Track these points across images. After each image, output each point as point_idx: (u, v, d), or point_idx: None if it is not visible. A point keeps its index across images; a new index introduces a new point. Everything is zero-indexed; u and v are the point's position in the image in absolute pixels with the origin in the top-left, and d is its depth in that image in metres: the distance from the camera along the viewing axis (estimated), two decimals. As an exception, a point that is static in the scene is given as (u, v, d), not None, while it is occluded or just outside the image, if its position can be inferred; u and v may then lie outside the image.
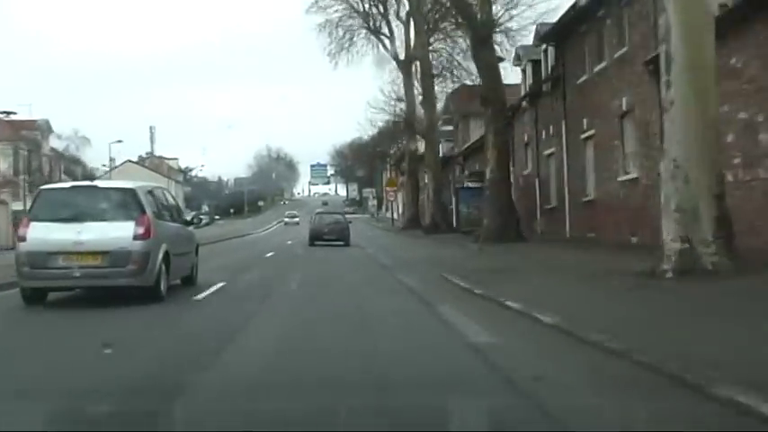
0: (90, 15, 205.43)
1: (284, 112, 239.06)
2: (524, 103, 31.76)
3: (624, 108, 21.39)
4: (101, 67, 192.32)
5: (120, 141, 74.94)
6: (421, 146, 51.16)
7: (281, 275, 16.25)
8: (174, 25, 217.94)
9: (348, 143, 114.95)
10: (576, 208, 26.11)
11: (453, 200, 46.69)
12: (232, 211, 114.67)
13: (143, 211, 11.01)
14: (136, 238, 10.75)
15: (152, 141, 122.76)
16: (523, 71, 32.95)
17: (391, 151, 71.10)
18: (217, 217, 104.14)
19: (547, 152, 29.49)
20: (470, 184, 37.16)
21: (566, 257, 18.08)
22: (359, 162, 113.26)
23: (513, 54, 33.36)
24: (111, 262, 10.63)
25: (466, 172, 37.50)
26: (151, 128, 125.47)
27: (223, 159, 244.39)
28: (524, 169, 32.38)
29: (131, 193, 11.31)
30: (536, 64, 31.22)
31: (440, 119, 46.01)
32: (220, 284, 13.65)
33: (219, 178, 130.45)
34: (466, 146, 45.70)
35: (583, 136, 25.06)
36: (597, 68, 23.54)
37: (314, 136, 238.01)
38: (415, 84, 47.59)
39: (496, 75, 26.76)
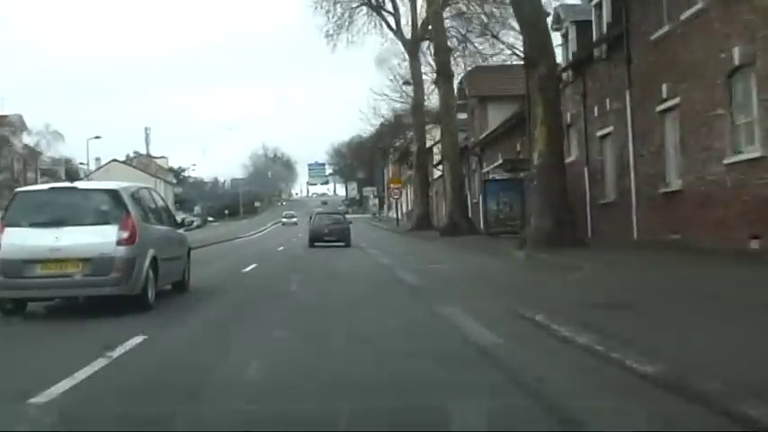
0: (90, 18, 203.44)
1: (284, 113, 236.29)
2: (566, 75, 25.76)
3: (736, 62, 15.43)
4: (96, 69, 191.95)
5: (98, 137, 68.47)
6: (432, 134, 45.45)
7: (251, 318, 10.00)
8: (173, 27, 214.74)
9: (347, 142, 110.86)
10: (647, 202, 20.18)
11: (470, 195, 40.87)
12: (227, 212, 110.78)
13: (127, 214, 10.33)
14: (120, 243, 10.09)
15: (147, 142, 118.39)
16: (564, 36, 26.88)
17: (396, 143, 65.07)
18: (211, 219, 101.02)
19: (600, 133, 23.52)
20: (497, 176, 31.03)
21: (690, 274, 12.07)
22: (358, 161, 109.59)
23: (552, 15, 27.14)
24: (92, 270, 9.95)
25: (499, 160, 31.15)
26: (146, 129, 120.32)
27: (223, 161, 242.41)
28: (567, 156, 26.26)
29: (114, 194, 10.61)
30: (582, 26, 25.24)
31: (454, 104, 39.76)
32: (133, 342, 7.59)
33: (216, 179, 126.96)
34: (484, 134, 39.79)
35: (660, 107, 19.10)
36: (686, 15, 17.53)
37: (314, 137, 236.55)
38: (428, 60, 41.66)
39: (543, 28, 20.75)
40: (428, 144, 51.13)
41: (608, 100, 22.68)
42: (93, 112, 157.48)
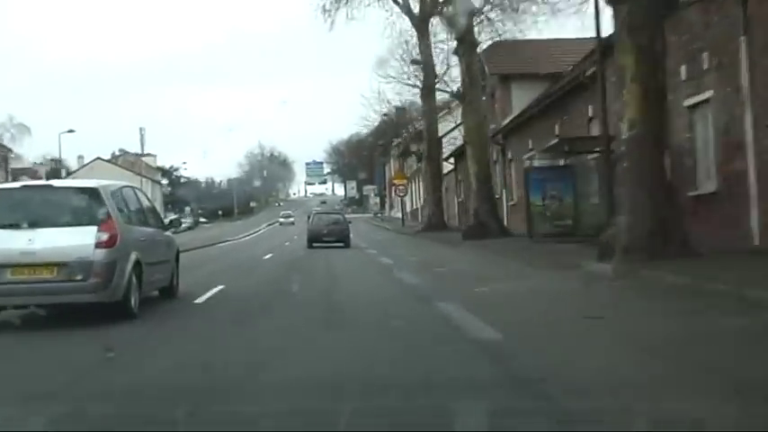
0: (89, 18, 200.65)
1: (283, 113, 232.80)
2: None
3: None
4: (97, 70, 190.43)
5: (72, 131, 62.43)
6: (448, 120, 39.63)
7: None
8: (173, 27, 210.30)
9: (346, 140, 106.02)
10: (777, 192, 14.33)
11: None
12: (220, 213, 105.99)
13: (107, 215, 9.64)
14: (99, 245, 9.35)
15: (142, 143, 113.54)
16: (629, -18, 20.93)
17: (403, 133, 59.12)
18: (203, 220, 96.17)
19: (690, 102, 17.61)
20: (537, 163, 24.98)
21: None
22: (358, 159, 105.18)
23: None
24: (69, 275, 9.26)
25: (530, 147, 25.05)
26: (141, 129, 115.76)
27: (222, 161, 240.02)
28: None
29: (94, 192, 9.91)
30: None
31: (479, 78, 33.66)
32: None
33: (211, 179, 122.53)
34: (509, 118, 33.98)
35: (805, 55, 13.24)
36: None
37: (312, 136, 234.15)
38: (443, 27, 35.75)
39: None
40: (439, 134, 45.36)
41: (704, 55, 16.78)
42: (94, 113, 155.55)
